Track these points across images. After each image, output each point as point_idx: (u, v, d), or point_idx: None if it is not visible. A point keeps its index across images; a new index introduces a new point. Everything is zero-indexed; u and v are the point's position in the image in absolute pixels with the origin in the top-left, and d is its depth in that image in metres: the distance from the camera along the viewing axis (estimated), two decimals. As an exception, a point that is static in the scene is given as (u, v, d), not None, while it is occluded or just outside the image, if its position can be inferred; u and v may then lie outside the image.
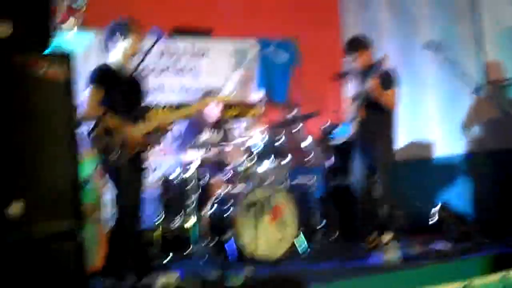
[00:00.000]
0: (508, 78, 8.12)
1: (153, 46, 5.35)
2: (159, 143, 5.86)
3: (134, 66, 5.48)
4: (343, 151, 8.29)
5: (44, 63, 4.00)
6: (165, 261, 6.69)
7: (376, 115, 6.99)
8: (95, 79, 5.55)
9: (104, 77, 5.57)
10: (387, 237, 6.86)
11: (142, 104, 5.82)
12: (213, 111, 7.86)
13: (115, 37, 5.69)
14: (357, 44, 7.20)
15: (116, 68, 5.66)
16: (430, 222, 7.76)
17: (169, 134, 8.23)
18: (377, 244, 6.92)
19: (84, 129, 5.22)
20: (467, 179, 8.39)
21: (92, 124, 5.31)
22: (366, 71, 7.02)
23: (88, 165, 6.77)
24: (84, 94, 5.47)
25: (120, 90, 5.40)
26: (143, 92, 5.86)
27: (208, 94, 7.87)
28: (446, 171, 8.66)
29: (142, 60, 5.37)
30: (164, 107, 7.95)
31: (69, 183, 4.03)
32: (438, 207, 7.89)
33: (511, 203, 7.88)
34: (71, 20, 8.15)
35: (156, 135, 5.69)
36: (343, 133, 8.38)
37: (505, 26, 8.22)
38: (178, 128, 8.20)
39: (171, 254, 6.86)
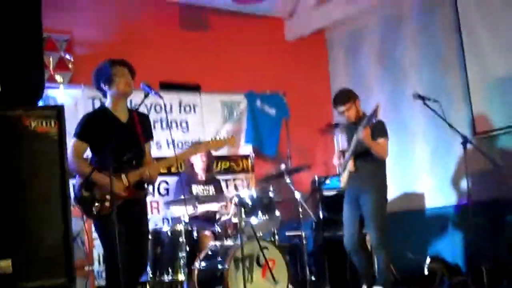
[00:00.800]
0: (496, 129, 8.17)
1: (141, 102, 5.34)
2: (147, 195, 5.78)
3: (131, 108, 5.44)
4: (334, 204, 8.29)
5: (36, 117, 3.99)
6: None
7: (367, 165, 6.99)
8: (78, 131, 5.44)
9: (89, 127, 5.44)
10: None
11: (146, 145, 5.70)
12: (198, 162, 7.84)
13: (100, 86, 5.60)
14: (350, 95, 7.21)
15: (111, 113, 5.53)
16: (422, 274, 7.72)
17: (159, 187, 8.31)
18: None
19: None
20: (458, 230, 8.38)
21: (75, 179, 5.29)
22: (357, 122, 7.02)
23: (78, 218, 6.76)
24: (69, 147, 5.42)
25: (112, 135, 5.23)
26: (142, 133, 5.65)
27: (196, 144, 7.88)
28: (437, 222, 8.66)
29: (137, 109, 5.36)
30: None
31: (61, 240, 3.98)
32: (429, 259, 7.87)
33: (503, 254, 7.89)
34: (60, 76, 8.21)
35: (145, 184, 5.62)
36: (334, 186, 8.39)
37: (491, 77, 8.29)
38: (169, 182, 8.20)
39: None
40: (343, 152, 7.25)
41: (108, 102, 5.57)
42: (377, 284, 6.91)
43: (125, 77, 5.48)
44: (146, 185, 5.66)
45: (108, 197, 5.27)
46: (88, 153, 5.55)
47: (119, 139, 5.29)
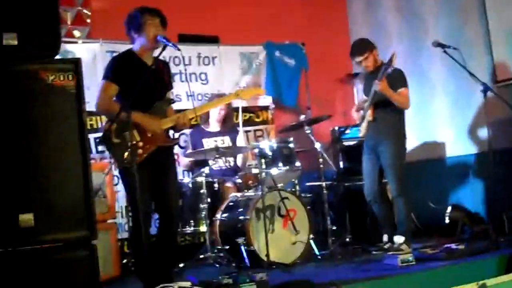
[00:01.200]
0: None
1: (159, 54, 5.32)
2: (177, 143, 5.79)
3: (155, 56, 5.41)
4: (354, 153, 8.29)
5: (53, 70, 4.00)
6: (178, 268, 6.65)
7: (387, 115, 6.99)
8: (109, 74, 5.41)
9: (119, 70, 5.40)
10: (400, 239, 6.83)
11: (168, 94, 5.70)
12: (216, 112, 7.84)
13: (130, 33, 5.54)
14: (367, 45, 7.18)
15: (138, 58, 5.51)
16: (443, 223, 7.73)
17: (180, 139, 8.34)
18: (391, 246, 6.89)
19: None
20: (479, 179, 8.36)
21: (105, 121, 5.25)
22: (375, 71, 7.00)
23: (99, 173, 6.83)
24: (98, 88, 5.42)
25: (140, 80, 5.10)
26: (167, 81, 5.70)
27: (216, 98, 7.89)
28: (458, 171, 8.64)
29: (155, 59, 5.34)
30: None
31: (81, 193, 4.02)
32: (450, 208, 7.87)
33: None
34: (77, 30, 8.21)
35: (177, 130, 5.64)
36: (353, 136, 8.38)
37: (511, 26, 8.20)
38: (185, 133, 8.21)
39: (183, 261, 6.83)
40: (363, 102, 7.22)
41: (135, 48, 5.56)
42: (398, 233, 6.93)
43: (155, 26, 5.46)
44: (173, 134, 5.68)
45: (141, 144, 5.28)
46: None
47: (148, 83, 5.27)
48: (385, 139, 6.99)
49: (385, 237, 7.09)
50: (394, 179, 6.93)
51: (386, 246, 6.97)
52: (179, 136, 5.94)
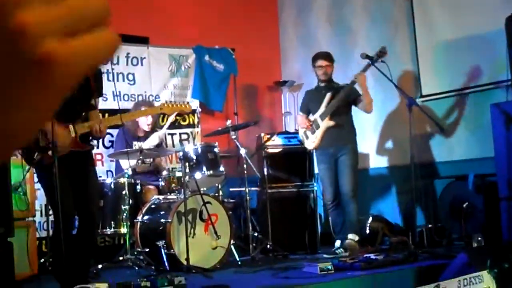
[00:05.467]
0: (442, 93, 8.25)
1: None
2: (93, 148, 5.73)
3: None
4: (278, 161, 8.33)
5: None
6: (96, 270, 6.57)
7: (346, 119, 7.46)
8: None
9: None
10: (355, 237, 7.25)
11: (93, 100, 5.62)
12: (145, 119, 7.78)
13: None
14: (332, 56, 7.74)
15: None
16: (364, 233, 7.83)
17: (104, 140, 8.23)
18: (342, 251, 7.25)
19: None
20: (401, 190, 8.49)
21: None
22: (327, 86, 7.54)
23: (19, 169, 6.69)
24: None
25: None
26: (93, 88, 5.53)
27: (141, 103, 7.83)
28: (381, 182, 8.77)
29: None
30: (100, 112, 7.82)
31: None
32: (371, 218, 7.97)
33: (443, 214, 8.02)
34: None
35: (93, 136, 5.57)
36: (279, 143, 8.42)
37: (439, 41, 8.37)
38: (114, 135, 8.13)
39: (102, 262, 6.75)
40: (306, 119, 7.46)
41: None
42: (351, 232, 7.32)
43: None
44: (91, 139, 5.61)
45: (53, 145, 5.20)
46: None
47: (72, 89, 5.17)
48: (346, 144, 7.40)
49: (338, 243, 7.38)
50: (352, 181, 7.32)
51: (338, 251, 7.14)
52: (96, 141, 5.82)
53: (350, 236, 7.29)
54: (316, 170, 8.52)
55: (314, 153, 7.82)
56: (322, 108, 7.35)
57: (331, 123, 7.34)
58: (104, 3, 0.67)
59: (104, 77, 8.07)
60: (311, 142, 7.49)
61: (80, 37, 0.63)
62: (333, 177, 7.48)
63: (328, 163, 7.48)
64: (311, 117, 7.46)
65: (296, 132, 8.73)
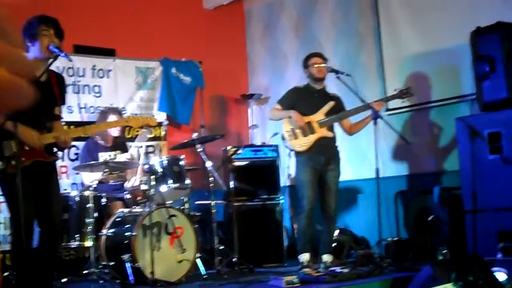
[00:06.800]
0: (407, 106, 8.29)
1: (50, 63, 5.21)
2: (57, 159, 5.65)
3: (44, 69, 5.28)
4: (244, 174, 8.33)
5: None
6: (61, 283, 6.50)
7: (334, 135, 7.31)
8: None
9: None
10: (330, 257, 7.12)
11: (56, 109, 5.51)
12: (114, 130, 7.72)
13: (25, 41, 5.36)
14: (325, 57, 7.47)
15: None
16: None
17: (69, 153, 8.16)
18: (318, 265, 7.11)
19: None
20: (367, 204, 8.51)
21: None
22: (320, 90, 7.35)
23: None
24: None
25: None
26: (57, 95, 5.47)
27: (107, 111, 7.78)
28: (347, 195, 8.77)
29: (46, 69, 5.22)
30: (65, 125, 7.74)
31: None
32: (337, 231, 7.97)
33: (409, 228, 8.05)
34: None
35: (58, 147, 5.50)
36: (245, 156, 8.41)
37: (405, 55, 8.43)
38: (79, 147, 8.07)
39: (67, 276, 6.68)
40: (301, 119, 7.17)
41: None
42: (326, 251, 7.21)
43: (49, 37, 5.31)
44: (56, 150, 5.54)
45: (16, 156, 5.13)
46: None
47: (36, 96, 5.12)
48: (335, 158, 7.26)
49: (307, 256, 7.08)
50: (335, 199, 7.20)
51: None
52: (61, 151, 5.75)
53: (326, 257, 7.14)
54: (282, 183, 8.54)
55: (296, 157, 7.29)
56: (320, 114, 7.17)
57: (330, 134, 7.21)
58: None
59: (70, 89, 8.04)
60: (301, 144, 7.13)
61: None
62: (315, 184, 7.13)
63: (314, 169, 7.13)
64: (306, 118, 7.21)
65: (263, 146, 8.74)
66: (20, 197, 4.71)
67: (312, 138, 7.13)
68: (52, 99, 5.39)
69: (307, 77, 7.41)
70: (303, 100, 7.29)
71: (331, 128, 7.26)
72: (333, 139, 7.27)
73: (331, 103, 7.22)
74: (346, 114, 7.31)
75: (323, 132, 7.16)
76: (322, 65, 7.25)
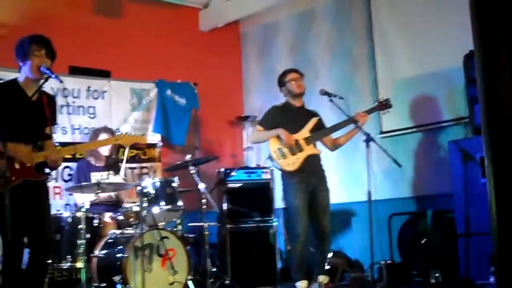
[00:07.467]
0: (401, 129, 8.32)
1: (42, 84, 5.23)
2: (47, 179, 5.63)
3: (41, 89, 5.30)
4: (238, 196, 8.33)
5: None
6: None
7: (318, 153, 7.12)
8: None
9: None
10: (326, 279, 7.00)
11: (47, 129, 5.48)
12: (105, 148, 7.72)
13: (18, 60, 5.34)
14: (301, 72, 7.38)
15: (21, 89, 5.30)
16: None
17: (62, 173, 8.16)
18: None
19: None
20: (360, 226, 8.50)
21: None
22: (301, 109, 7.24)
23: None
24: None
25: (18, 109, 5.06)
26: (48, 116, 5.42)
27: (100, 131, 7.79)
28: (341, 218, 8.78)
29: (38, 89, 5.23)
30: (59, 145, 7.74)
31: None
32: (331, 254, 7.95)
33: (402, 251, 8.04)
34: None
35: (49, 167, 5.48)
36: (239, 178, 8.42)
37: (399, 78, 8.45)
38: (73, 168, 8.07)
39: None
40: (290, 136, 6.97)
41: (20, 78, 5.40)
42: (321, 273, 7.03)
43: (40, 57, 5.32)
44: (47, 170, 5.53)
45: (6, 174, 5.12)
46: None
47: (26, 116, 5.15)
48: (324, 178, 7.09)
49: (304, 284, 6.97)
50: (329, 219, 7.00)
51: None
52: (52, 171, 5.72)
53: (322, 278, 6.99)
54: (277, 205, 8.53)
55: (284, 179, 7.06)
56: (305, 131, 7.01)
57: (318, 151, 7.06)
58: None
59: (64, 110, 8.07)
60: (291, 163, 6.90)
61: None
62: (307, 208, 6.89)
63: (306, 193, 6.91)
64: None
65: (257, 168, 8.73)
66: (9, 217, 4.71)
67: (301, 156, 6.93)
68: (42, 119, 5.39)
69: (285, 95, 7.26)
70: (284, 118, 7.08)
71: (315, 147, 7.12)
72: (319, 157, 7.11)
73: (314, 120, 7.10)
74: (332, 129, 7.16)
75: (311, 150, 7.00)
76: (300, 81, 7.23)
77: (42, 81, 5.23)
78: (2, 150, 4.84)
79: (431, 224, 7.49)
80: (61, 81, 5.24)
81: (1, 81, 5.66)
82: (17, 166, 5.17)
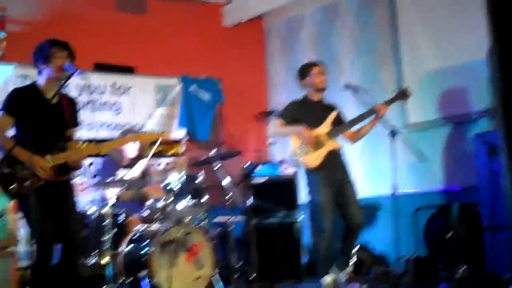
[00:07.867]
0: (427, 122, 8.27)
1: (65, 82, 5.27)
2: (71, 179, 5.68)
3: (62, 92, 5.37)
4: (263, 191, 8.33)
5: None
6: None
7: (341, 147, 6.97)
8: (5, 105, 5.31)
9: (17, 102, 5.31)
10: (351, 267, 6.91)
11: (69, 131, 5.57)
12: (132, 148, 7.76)
13: (38, 63, 5.46)
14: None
15: (40, 92, 5.39)
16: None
17: (88, 170, 8.20)
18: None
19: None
20: (386, 220, 8.47)
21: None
22: (321, 104, 7.04)
23: (2, 199, 6.67)
24: None
25: (38, 113, 5.15)
26: (68, 119, 5.54)
27: (128, 132, 7.81)
28: (366, 212, 8.70)
29: (58, 90, 5.28)
30: (84, 142, 7.78)
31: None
32: (357, 248, 7.94)
33: (428, 245, 8.00)
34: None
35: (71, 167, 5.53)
36: (264, 173, 8.41)
37: (424, 71, 8.40)
38: (97, 164, 8.11)
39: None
40: (309, 132, 6.78)
41: (40, 81, 5.45)
42: (348, 266, 6.87)
43: (62, 59, 5.38)
44: (70, 170, 5.57)
45: (30, 177, 5.18)
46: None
47: (46, 119, 5.23)
48: (348, 171, 6.92)
49: (329, 278, 6.74)
50: (360, 210, 6.81)
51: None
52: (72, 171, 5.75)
53: (349, 270, 6.80)
54: (302, 199, 8.51)
55: (308, 176, 6.88)
56: (326, 126, 6.85)
57: (339, 146, 6.89)
58: None
59: (90, 106, 8.11)
60: (314, 158, 6.73)
61: None
62: (333, 204, 6.72)
63: (333, 187, 6.73)
64: (313, 132, 6.76)
65: (282, 162, 8.72)
66: (36, 216, 4.78)
67: (323, 151, 6.77)
68: (62, 121, 5.45)
69: (307, 87, 7.03)
70: (304, 113, 6.91)
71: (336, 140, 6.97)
72: (341, 151, 6.94)
73: (333, 114, 6.93)
74: (352, 123, 6.97)
75: (333, 145, 6.84)
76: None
77: (62, 81, 5.28)
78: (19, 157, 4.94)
79: (457, 218, 7.44)
80: (85, 77, 5.27)
81: (20, 86, 5.68)
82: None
